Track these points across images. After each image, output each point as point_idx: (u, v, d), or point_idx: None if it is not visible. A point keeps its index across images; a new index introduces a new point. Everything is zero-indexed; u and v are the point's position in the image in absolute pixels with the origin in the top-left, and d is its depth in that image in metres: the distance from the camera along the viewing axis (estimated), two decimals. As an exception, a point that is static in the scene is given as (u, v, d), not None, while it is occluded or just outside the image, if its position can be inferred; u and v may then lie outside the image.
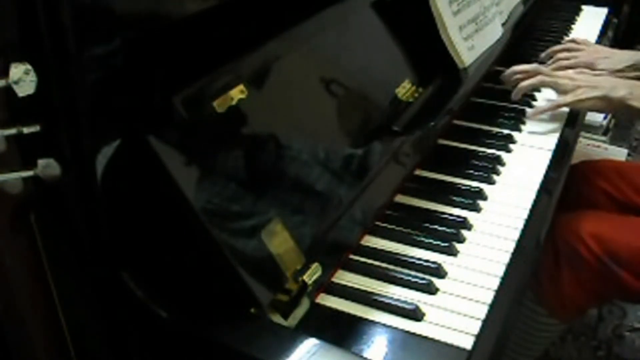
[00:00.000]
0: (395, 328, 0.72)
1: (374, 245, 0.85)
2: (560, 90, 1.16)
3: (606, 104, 1.14)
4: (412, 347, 0.70)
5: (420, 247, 0.85)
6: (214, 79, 0.72)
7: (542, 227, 0.95)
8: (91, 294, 0.68)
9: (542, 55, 1.38)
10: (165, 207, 0.66)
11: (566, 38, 1.54)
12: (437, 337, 0.71)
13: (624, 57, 1.39)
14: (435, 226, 0.89)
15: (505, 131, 1.13)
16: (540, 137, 1.14)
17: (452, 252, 0.84)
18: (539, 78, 1.18)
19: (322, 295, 0.76)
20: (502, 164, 1.05)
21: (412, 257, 0.83)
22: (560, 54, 1.33)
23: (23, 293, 0.66)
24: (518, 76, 1.20)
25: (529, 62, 1.39)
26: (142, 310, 0.66)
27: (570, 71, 1.23)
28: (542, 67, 1.22)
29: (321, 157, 0.81)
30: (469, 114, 1.15)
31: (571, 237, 1.10)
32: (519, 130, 1.15)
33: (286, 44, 0.84)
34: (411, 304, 0.74)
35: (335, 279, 0.78)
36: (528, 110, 1.19)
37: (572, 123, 1.19)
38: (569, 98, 1.14)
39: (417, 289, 0.77)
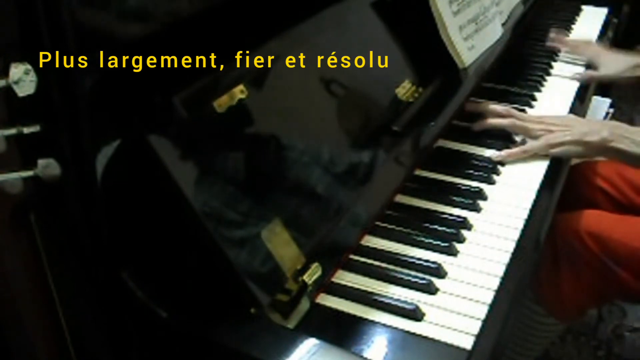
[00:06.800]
0: (395, 328, 0.72)
1: (374, 245, 0.85)
2: (531, 135, 1.09)
3: (582, 148, 1.06)
4: (412, 347, 0.70)
5: (420, 247, 0.85)
6: (214, 79, 0.72)
7: (542, 227, 0.95)
8: (91, 294, 0.68)
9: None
10: (165, 207, 0.66)
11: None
12: (437, 337, 0.71)
13: (620, 61, 1.36)
14: (435, 226, 0.89)
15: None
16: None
17: (452, 252, 0.84)
18: (510, 120, 1.11)
19: (322, 295, 0.76)
20: (502, 164, 1.05)
21: (412, 257, 0.83)
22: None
23: (23, 293, 0.66)
24: (491, 121, 1.12)
25: (529, 62, 1.40)
26: (142, 311, 0.66)
27: (544, 116, 1.14)
28: (514, 111, 1.13)
29: (321, 157, 0.81)
30: (469, 114, 1.15)
31: (571, 237, 1.10)
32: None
33: (286, 44, 0.84)
34: (411, 304, 0.74)
35: (335, 279, 0.78)
36: (495, 152, 1.07)
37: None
38: (539, 143, 1.07)
39: (417, 289, 0.77)
